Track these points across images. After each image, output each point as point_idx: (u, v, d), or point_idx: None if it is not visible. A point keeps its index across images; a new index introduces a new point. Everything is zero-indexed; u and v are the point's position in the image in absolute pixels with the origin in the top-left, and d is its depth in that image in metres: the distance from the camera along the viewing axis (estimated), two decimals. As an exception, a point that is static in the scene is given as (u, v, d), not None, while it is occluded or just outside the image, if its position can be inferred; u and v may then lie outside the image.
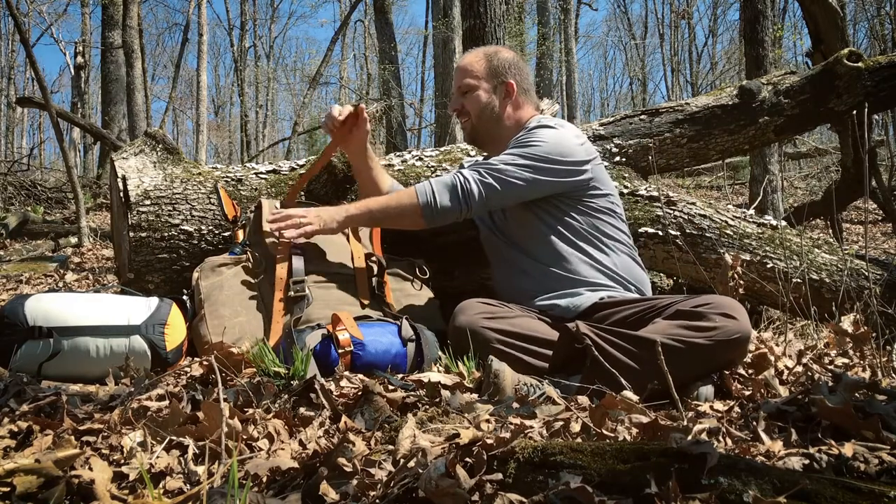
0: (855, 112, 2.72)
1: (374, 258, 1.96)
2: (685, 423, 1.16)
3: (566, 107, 16.31)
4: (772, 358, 1.68)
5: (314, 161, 2.13)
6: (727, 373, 1.60)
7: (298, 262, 1.83)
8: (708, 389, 1.56)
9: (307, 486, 0.87)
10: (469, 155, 2.42)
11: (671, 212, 2.43)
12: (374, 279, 1.92)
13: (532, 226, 1.89)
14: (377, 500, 0.83)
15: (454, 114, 2.04)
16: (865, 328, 1.85)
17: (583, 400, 1.43)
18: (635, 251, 1.96)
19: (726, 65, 20.20)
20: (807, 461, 0.90)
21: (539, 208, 1.88)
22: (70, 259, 5.10)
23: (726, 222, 2.45)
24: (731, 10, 24.80)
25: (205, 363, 1.57)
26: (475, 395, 1.40)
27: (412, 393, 1.40)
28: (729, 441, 1.08)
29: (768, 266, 2.42)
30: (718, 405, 1.44)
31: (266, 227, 1.87)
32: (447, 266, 2.25)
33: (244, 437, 1.09)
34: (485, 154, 2.18)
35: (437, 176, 2.29)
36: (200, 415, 1.12)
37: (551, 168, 1.82)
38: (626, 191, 2.45)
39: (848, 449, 0.91)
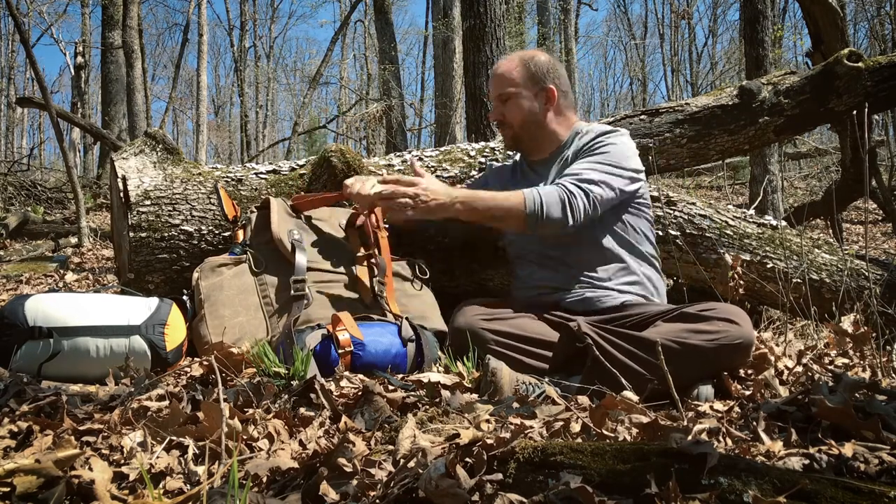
0: (855, 112, 2.71)
1: (375, 259, 1.96)
2: (685, 423, 1.16)
3: (566, 107, 16.28)
4: (772, 358, 1.68)
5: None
6: (726, 373, 1.60)
7: (301, 260, 1.83)
8: (708, 390, 1.56)
9: (307, 486, 0.87)
10: (469, 155, 2.41)
11: (671, 212, 2.43)
12: (374, 280, 1.92)
13: (587, 229, 1.83)
14: (377, 500, 0.83)
15: (494, 123, 1.98)
16: (865, 328, 1.85)
17: (583, 400, 1.43)
18: (660, 263, 1.97)
19: (726, 65, 20.16)
20: (807, 461, 0.90)
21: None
22: (70, 259, 5.10)
23: (726, 222, 2.45)
24: (731, 10, 24.84)
25: (205, 363, 1.57)
26: (475, 396, 1.40)
27: (412, 393, 1.40)
28: (729, 441, 1.08)
29: (768, 266, 2.42)
30: (718, 405, 1.44)
31: (362, 187, 1.80)
32: (448, 266, 2.25)
33: (244, 437, 1.09)
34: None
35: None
36: (200, 415, 1.13)
37: (625, 175, 1.82)
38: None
39: (848, 449, 0.91)
